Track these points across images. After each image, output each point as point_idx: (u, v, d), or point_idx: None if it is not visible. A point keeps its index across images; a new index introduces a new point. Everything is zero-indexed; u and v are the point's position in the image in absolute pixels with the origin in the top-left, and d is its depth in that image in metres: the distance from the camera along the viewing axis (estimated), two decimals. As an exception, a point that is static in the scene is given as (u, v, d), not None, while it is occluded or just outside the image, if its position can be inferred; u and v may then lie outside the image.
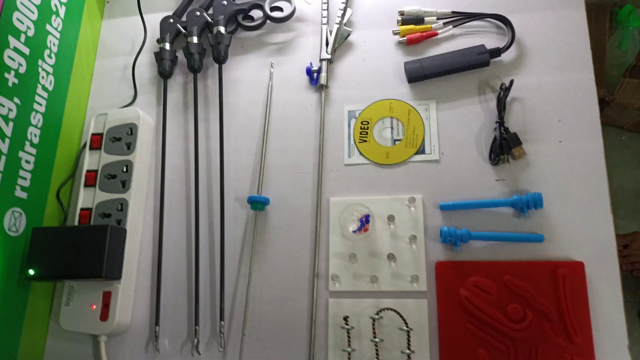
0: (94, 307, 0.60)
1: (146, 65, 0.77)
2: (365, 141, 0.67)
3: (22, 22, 0.63)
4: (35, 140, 0.64)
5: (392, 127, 0.68)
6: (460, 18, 0.70)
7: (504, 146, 0.63)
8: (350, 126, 0.69)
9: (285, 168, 0.68)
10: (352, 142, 0.68)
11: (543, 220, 0.61)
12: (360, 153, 0.67)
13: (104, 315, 0.60)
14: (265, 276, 0.63)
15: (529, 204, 0.60)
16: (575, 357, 0.55)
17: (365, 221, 0.61)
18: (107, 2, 0.82)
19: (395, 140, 0.67)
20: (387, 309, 0.58)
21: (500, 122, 0.64)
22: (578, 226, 0.60)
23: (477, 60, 0.67)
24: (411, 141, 0.66)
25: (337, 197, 0.65)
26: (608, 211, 0.60)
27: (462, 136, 0.66)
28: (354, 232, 0.61)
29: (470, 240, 0.60)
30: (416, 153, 0.66)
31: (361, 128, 0.68)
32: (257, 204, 0.65)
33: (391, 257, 0.60)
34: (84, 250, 0.58)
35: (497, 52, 0.67)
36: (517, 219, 0.61)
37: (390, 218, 0.61)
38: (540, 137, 0.64)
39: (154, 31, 0.76)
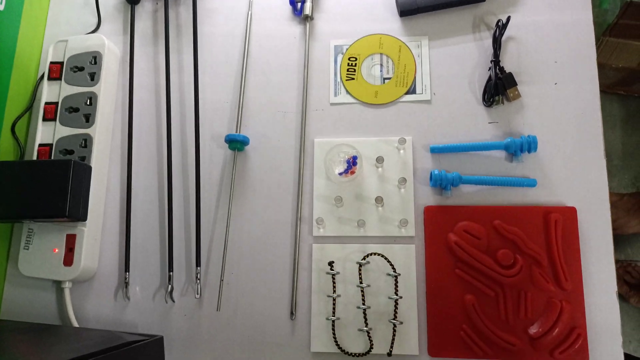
0: (56, 250, 0.55)
1: (111, -10, 0.69)
2: (353, 79, 0.63)
3: None
4: (-16, 67, 0.57)
5: (381, 65, 0.63)
6: (457, -51, 0.65)
7: (499, 87, 0.59)
8: (336, 62, 0.64)
9: (266, 106, 0.63)
10: (338, 79, 0.63)
11: (536, 165, 0.58)
12: (347, 92, 0.63)
13: (68, 259, 0.55)
14: (244, 220, 0.59)
15: (522, 147, 0.57)
16: (565, 303, 0.53)
17: (352, 163, 0.57)
18: None
19: (384, 79, 0.63)
20: (374, 253, 0.55)
21: (496, 60, 0.60)
22: (571, 171, 0.58)
23: (474, -6, 0.63)
24: (402, 80, 0.62)
25: (322, 137, 0.61)
26: (602, 156, 0.58)
27: (455, 76, 0.62)
28: (340, 174, 0.58)
29: (460, 185, 0.58)
30: (407, 93, 0.62)
31: (348, 65, 0.63)
32: (236, 143, 0.60)
33: (379, 200, 0.57)
34: (44, 187, 0.52)
35: (494, -14, 0.63)
36: (510, 163, 0.59)
37: (379, 160, 0.58)
38: (535, 78, 0.61)
39: (119, -49, 0.68)
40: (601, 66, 1.40)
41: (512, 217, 0.56)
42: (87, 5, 0.69)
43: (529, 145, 0.57)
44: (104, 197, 0.60)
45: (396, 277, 0.55)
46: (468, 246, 0.55)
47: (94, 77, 0.61)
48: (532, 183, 0.57)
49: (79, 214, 0.54)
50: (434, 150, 0.59)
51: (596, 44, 1.38)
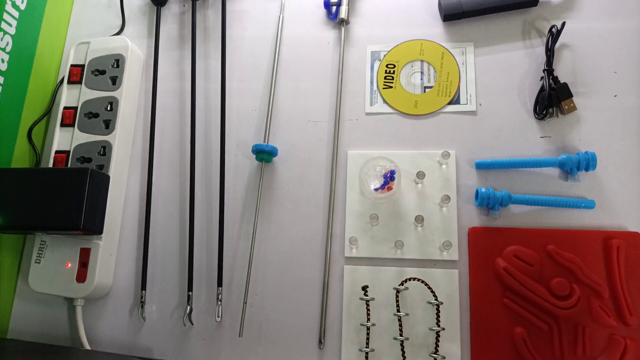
0: (69, 265, 0.51)
1: (136, -9, 0.66)
2: (391, 87, 0.58)
3: None
4: (3, 67, 0.54)
5: (422, 72, 0.58)
6: (505, -50, 0.60)
7: (553, 98, 0.54)
8: (373, 69, 0.59)
9: (297, 115, 0.59)
10: (375, 87, 0.59)
11: (594, 184, 0.53)
12: (385, 101, 0.58)
13: (81, 275, 0.51)
14: (270, 237, 0.55)
15: (580, 164, 0.52)
16: (629, 340, 0.47)
17: (389, 178, 0.52)
18: None
19: (425, 88, 0.58)
20: (414, 279, 0.50)
21: (549, 69, 0.55)
22: (634, 192, 0.52)
23: (524, -2, 0.58)
24: (444, 89, 0.57)
25: (356, 149, 0.57)
26: (671, 176, 0.52)
27: (503, 85, 0.57)
28: (375, 189, 0.53)
29: (510, 204, 0.52)
30: (450, 103, 0.57)
31: (386, 72, 0.59)
32: (264, 154, 0.56)
33: (419, 220, 0.52)
34: (59, 197, 0.49)
35: (546, -10, 0.58)
36: (564, 182, 0.53)
37: (420, 175, 0.53)
38: (592, 89, 0.56)
39: (147, -49, 0.65)
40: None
41: (568, 242, 0.51)
42: (112, 6, 0.66)
43: (587, 163, 0.51)
44: (122, 208, 0.57)
45: (438, 305, 0.49)
46: (518, 273, 0.50)
47: (115, 81, 0.57)
48: (590, 204, 0.52)
49: (95, 226, 0.50)
50: (480, 166, 0.54)
51: None
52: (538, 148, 0.55)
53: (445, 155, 0.53)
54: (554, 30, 0.56)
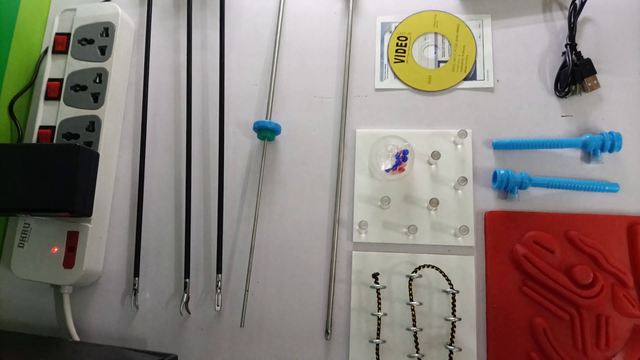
0: (56, 250, 0.47)
1: (127, -45, 0.61)
2: (402, 61, 0.54)
3: None
4: (-21, 35, 0.49)
5: (436, 46, 0.55)
6: None
7: (576, 74, 0.51)
8: (383, 42, 0.55)
9: (301, 91, 0.55)
10: (385, 62, 0.55)
11: (618, 167, 0.50)
12: (396, 76, 0.54)
13: (69, 261, 0.47)
14: (273, 221, 0.51)
15: (603, 145, 0.49)
16: (656, 331, 0.45)
17: (402, 158, 0.49)
18: None
19: (439, 62, 0.54)
20: (428, 266, 0.47)
21: (572, 44, 0.52)
22: (660, 170, 0.49)
23: (545, -32, 0.54)
24: (459, 64, 0.54)
25: (365, 128, 0.53)
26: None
27: (522, 60, 0.53)
28: (387, 171, 0.49)
29: (529, 187, 0.49)
30: (465, 79, 0.53)
31: (397, 45, 0.55)
32: (266, 131, 0.52)
33: (433, 203, 0.48)
34: (45, 176, 0.45)
35: (569, -41, 0.54)
36: (587, 164, 0.50)
37: (435, 155, 0.49)
38: (617, 66, 0.52)
39: None
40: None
41: (590, 228, 0.48)
42: (100, -28, 0.61)
43: (612, 144, 0.48)
44: (112, 189, 0.53)
45: (454, 294, 0.46)
46: (539, 260, 0.47)
47: (104, 52, 0.53)
48: (614, 188, 0.49)
49: (84, 208, 0.46)
50: (498, 146, 0.51)
51: None
52: (559, 128, 0.51)
53: (462, 134, 0.50)
54: (577, 2, 0.52)
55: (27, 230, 0.48)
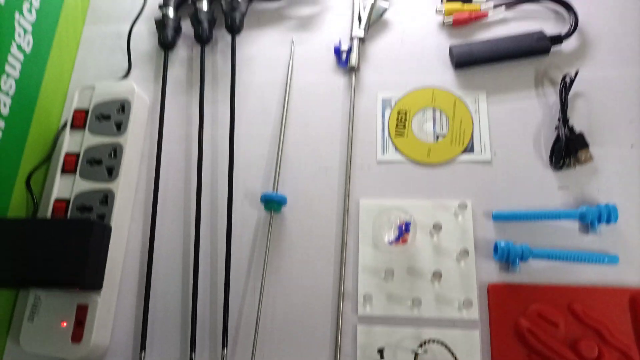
0: (65, 324, 0.48)
1: (144, 35, 0.65)
2: (403, 135, 0.57)
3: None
4: (5, 111, 0.52)
5: (434, 120, 0.57)
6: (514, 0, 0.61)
7: (569, 148, 0.53)
8: (384, 117, 0.58)
9: (307, 162, 0.57)
10: (386, 135, 0.57)
11: (617, 238, 0.51)
12: (397, 149, 0.56)
13: (77, 335, 0.47)
14: (279, 293, 0.52)
15: (600, 217, 0.50)
16: (664, 408, 0.44)
17: (404, 230, 0.50)
18: (101, -39, 0.70)
19: (438, 136, 0.56)
20: (433, 341, 0.47)
21: (564, 119, 0.54)
22: (658, 246, 0.50)
23: (536, 47, 0.58)
24: (457, 137, 0.56)
25: (369, 199, 0.55)
26: (693, 232, 0.50)
27: (518, 134, 0.56)
28: (389, 242, 0.51)
29: (530, 259, 0.50)
30: (463, 151, 0.55)
31: (398, 119, 0.58)
32: (272, 203, 0.53)
33: (436, 276, 0.49)
34: (58, 250, 0.46)
35: (558, 39, 0.58)
36: (585, 235, 0.51)
37: (436, 227, 0.51)
38: (608, 139, 0.54)
39: (155, -4, 0.65)
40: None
41: (593, 300, 0.48)
42: (118, 49, 0.65)
43: (609, 216, 0.50)
44: (122, 260, 0.54)
45: (459, 369, 0.46)
46: (544, 334, 0.47)
47: (120, 127, 0.55)
48: (613, 259, 0.49)
49: (94, 282, 0.47)
50: (498, 218, 0.52)
51: None
52: (556, 199, 0.53)
53: (463, 206, 0.51)
54: (567, 79, 0.55)
55: (37, 304, 0.49)
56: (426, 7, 0.62)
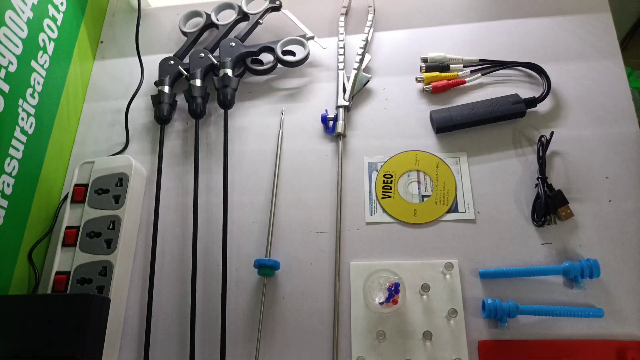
0: (64, 398, 0.49)
1: (141, 110, 0.69)
2: (389, 197, 0.59)
3: (4, 56, 0.55)
4: (8, 191, 0.55)
5: (419, 182, 0.60)
6: (490, 66, 0.65)
7: (549, 205, 0.55)
8: (371, 180, 0.61)
9: (298, 226, 0.59)
10: (374, 197, 0.60)
11: (600, 292, 0.52)
12: (384, 210, 0.59)
13: (75, 408, 0.48)
14: (274, 357, 0.53)
15: (583, 272, 0.52)
16: None
17: (394, 291, 0.52)
18: (101, 42, 0.76)
19: (423, 197, 0.59)
20: (426, 401, 0.48)
21: (543, 177, 0.57)
22: (641, 298, 0.51)
23: (512, 110, 0.61)
24: (442, 197, 0.58)
25: (359, 260, 0.56)
26: (674, 281, 0.52)
27: (499, 193, 0.58)
28: (380, 304, 0.52)
29: (518, 315, 0.51)
30: (448, 211, 0.58)
31: (384, 182, 0.60)
32: (266, 268, 0.55)
33: (427, 336, 0.50)
34: (58, 325, 0.47)
35: (532, 102, 0.61)
36: (570, 289, 0.53)
37: (424, 288, 0.52)
38: (587, 195, 0.57)
39: (152, 75, 0.69)
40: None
41: (581, 354, 0.49)
42: (116, 124, 0.68)
43: (591, 271, 0.51)
44: (121, 330, 0.55)
45: None
46: (535, 392, 0.48)
47: (118, 200, 0.58)
48: (598, 313, 0.51)
49: (93, 355, 0.49)
50: (484, 276, 0.54)
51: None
52: (540, 255, 0.55)
53: (449, 266, 0.53)
54: (543, 139, 0.58)
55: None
56: (407, 76, 0.66)
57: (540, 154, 0.58)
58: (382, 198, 0.59)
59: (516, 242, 0.55)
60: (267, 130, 0.65)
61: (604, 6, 0.66)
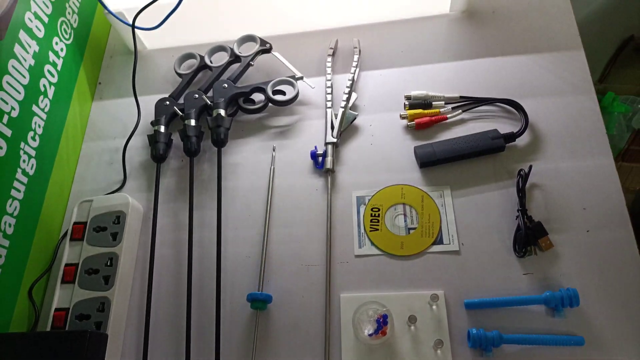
0: None
1: (138, 149, 0.72)
2: (377, 230, 0.62)
3: (7, 103, 0.58)
4: (9, 231, 0.57)
5: (405, 214, 0.62)
6: (470, 103, 0.68)
7: (530, 236, 0.58)
8: (359, 213, 0.63)
9: (290, 260, 0.61)
10: (362, 230, 0.62)
11: (581, 320, 0.54)
12: (372, 243, 0.61)
13: None
14: (267, 390, 0.54)
15: (563, 301, 0.54)
16: None
17: (382, 322, 0.54)
18: (99, 83, 0.79)
19: (409, 229, 0.61)
20: None
21: (523, 210, 0.59)
22: (620, 325, 0.53)
23: (492, 145, 0.64)
24: (427, 230, 0.61)
25: (349, 292, 0.58)
26: (650, 308, 0.54)
27: (482, 225, 0.61)
28: (369, 335, 0.54)
29: (502, 344, 0.53)
30: (434, 243, 0.60)
31: (372, 215, 0.63)
32: (258, 302, 0.57)
33: (414, 365, 0.52)
34: (55, 362, 0.49)
35: (511, 137, 0.64)
36: (552, 318, 0.55)
37: (411, 319, 0.54)
38: (566, 226, 0.59)
39: (148, 115, 0.72)
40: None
41: (564, 382, 0.51)
42: (114, 163, 0.71)
43: (570, 300, 0.54)
44: (118, 365, 0.56)
45: None
46: (519, 420, 0.49)
47: (116, 237, 0.60)
48: (579, 341, 0.53)
49: (90, 391, 0.50)
50: (469, 306, 0.56)
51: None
52: (522, 285, 0.57)
53: (434, 297, 0.55)
54: (522, 173, 0.61)
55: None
56: (392, 113, 0.69)
57: (520, 186, 0.61)
58: (370, 231, 0.62)
59: (499, 272, 0.58)
60: (259, 166, 0.68)
61: (577, 44, 0.70)
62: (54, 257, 0.63)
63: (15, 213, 0.58)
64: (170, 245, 0.64)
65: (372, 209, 0.63)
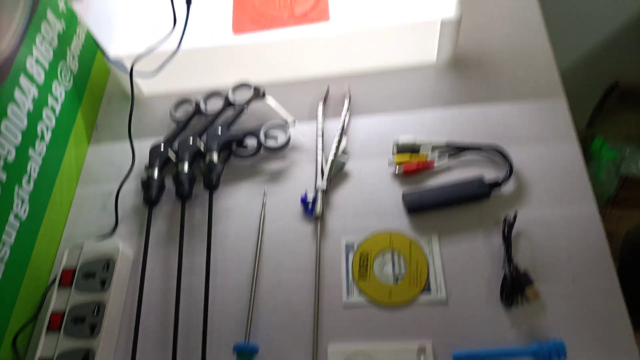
0: None
1: (131, 193, 0.73)
2: (365, 278, 0.62)
3: (3, 147, 0.59)
4: (-3, 278, 0.57)
5: (393, 262, 0.63)
6: (455, 149, 0.69)
7: (516, 286, 0.58)
8: (348, 260, 0.64)
9: (278, 308, 0.61)
10: (350, 278, 0.62)
11: (570, 372, 0.54)
12: (360, 291, 0.61)
13: None
14: None
15: (550, 354, 0.54)
16: None
17: (369, 374, 0.53)
18: (96, 127, 0.80)
19: (397, 277, 0.62)
20: None
21: (509, 259, 0.60)
22: (608, 380, 0.53)
23: (477, 192, 0.65)
24: (415, 279, 0.61)
25: (337, 343, 0.58)
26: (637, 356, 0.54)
27: (469, 273, 0.61)
28: (356, 387, 0.53)
29: (490, 397, 0.53)
30: (421, 292, 0.60)
31: (360, 263, 0.63)
32: (244, 354, 0.57)
33: (401, 419, 0.52)
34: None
35: (496, 184, 0.65)
36: (540, 371, 0.54)
37: (398, 371, 0.54)
38: (551, 275, 0.60)
39: (143, 158, 0.73)
40: (609, 235, 1.40)
41: None
42: (107, 207, 0.72)
43: (557, 352, 0.53)
44: (101, 417, 0.56)
45: None
46: None
47: (104, 284, 0.60)
48: (567, 395, 0.52)
49: None
50: (457, 358, 0.56)
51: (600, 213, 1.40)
52: (510, 335, 0.57)
53: (422, 350, 0.55)
54: (507, 221, 0.62)
55: None
56: (380, 158, 0.70)
57: (506, 234, 0.61)
58: (359, 279, 0.62)
59: (487, 323, 0.58)
60: (250, 211, 0.69)
61: (559, 93, 0.72)
62: (41, 304, 0.63)
63: (5, 258, 0.58)
64: (157, 293, 0.64)
65: (360, 256, 0.64)
